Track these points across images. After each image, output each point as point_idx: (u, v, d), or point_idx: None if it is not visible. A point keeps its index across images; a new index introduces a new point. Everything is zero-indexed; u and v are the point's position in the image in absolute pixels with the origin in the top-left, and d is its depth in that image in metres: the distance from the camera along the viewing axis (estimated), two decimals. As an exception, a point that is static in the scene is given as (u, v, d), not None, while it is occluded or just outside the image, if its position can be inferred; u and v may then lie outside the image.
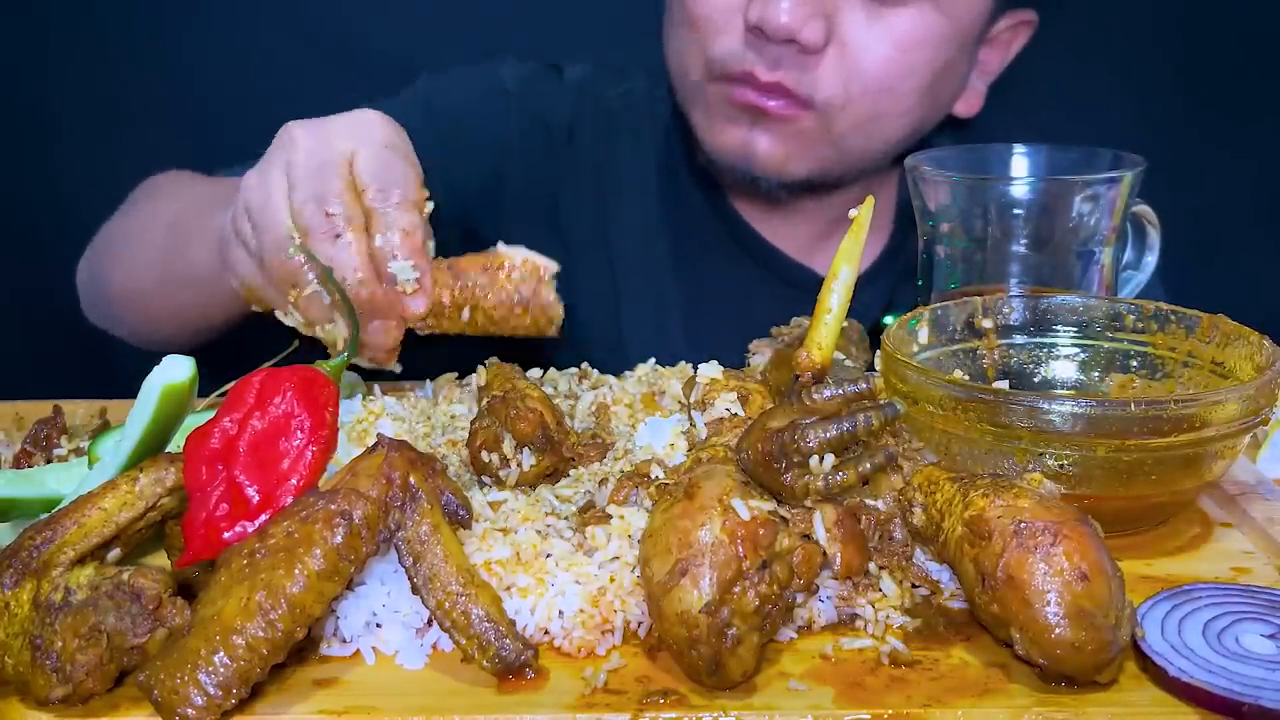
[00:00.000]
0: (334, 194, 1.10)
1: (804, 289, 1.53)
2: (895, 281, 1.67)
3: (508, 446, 1.04)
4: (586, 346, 1.42)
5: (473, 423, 1.07)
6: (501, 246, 1.16)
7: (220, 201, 1.29)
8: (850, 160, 1.56)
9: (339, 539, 0.85)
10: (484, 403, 1.10)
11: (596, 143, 1.69)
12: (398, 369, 1.17)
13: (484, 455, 1.05)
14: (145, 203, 1.60)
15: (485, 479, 1.06)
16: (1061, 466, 0.98)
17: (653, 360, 1.29)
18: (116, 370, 1.64)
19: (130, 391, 1.01)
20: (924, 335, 1.14)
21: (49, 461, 1.15)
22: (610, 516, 0.96)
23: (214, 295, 1.35)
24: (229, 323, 1.45)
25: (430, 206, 1.15)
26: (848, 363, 1.19)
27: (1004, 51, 1.63)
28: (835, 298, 1.01)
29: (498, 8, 2.11)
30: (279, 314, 1.15)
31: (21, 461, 1.15)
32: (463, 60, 1.83)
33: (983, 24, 1.54)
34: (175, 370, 0.98)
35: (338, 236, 1.08)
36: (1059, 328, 1.17)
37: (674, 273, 1.69)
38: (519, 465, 1.04)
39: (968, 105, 1.63)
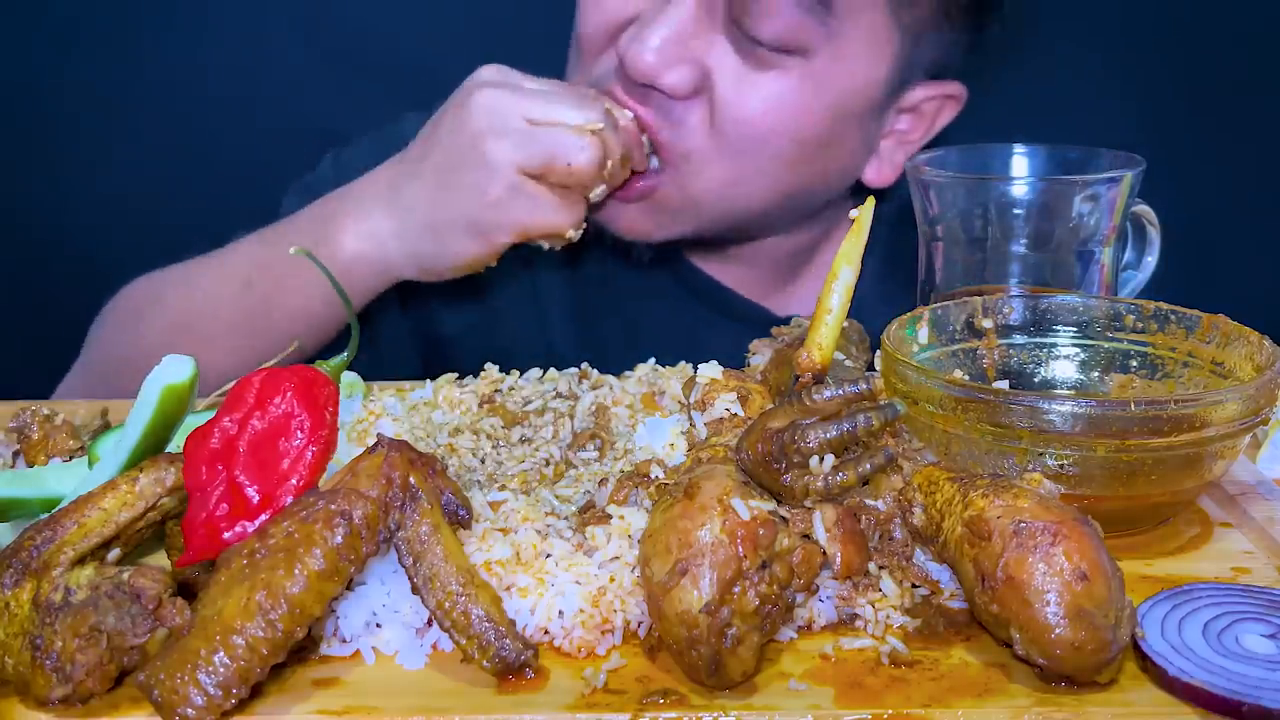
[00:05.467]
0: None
1: (762, 330, 1.48)
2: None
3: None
4: None
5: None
6: None
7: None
8: (713, 226, 1.52)
9: (339, 539, 0.85)
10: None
11: None
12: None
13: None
14: (161, 304, 1.58)
15: (481, 478, 1.06)
16: (1061, 466, 0.98)
17: (653, 360, 1.29)
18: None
19: (130, 391, 1.01)
20: (924, 335, 1.14)
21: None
22: (610, 516, 0.96)
23: (311, 327, 1.48)
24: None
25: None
26: (848, 363, 1.19)
27: (928, 124, 1.55)
28: (835, 298, 1.01)
29: (503, 8, 2.11)
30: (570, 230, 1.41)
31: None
32: (461, 62, 1.82)
33: (873, 99, 1.46)
34: (175, 370, 0.98)
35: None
36: (1059, 328, 1.17)
37: (612, 316, 1.66)
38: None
39: (879, 175, 1.55)
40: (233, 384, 0.96)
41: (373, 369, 1.36)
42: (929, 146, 1.56)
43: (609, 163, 1.38)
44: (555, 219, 1.39)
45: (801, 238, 1.63)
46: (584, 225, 1.43)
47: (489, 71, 1.41)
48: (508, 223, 1.39)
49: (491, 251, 1.42)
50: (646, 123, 1.43)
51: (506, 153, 1.36)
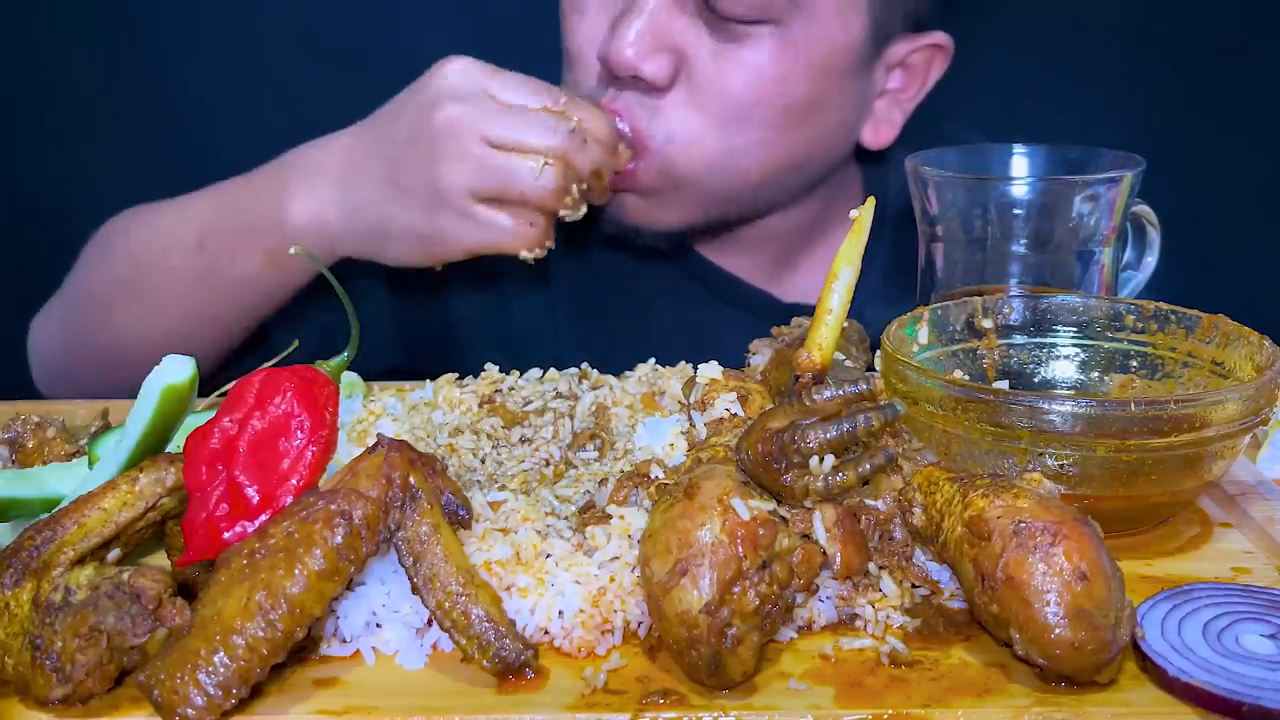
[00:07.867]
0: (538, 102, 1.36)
1: (767, 316, 1.48)
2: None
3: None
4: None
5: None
6: None
7: (245, 208, 1.46)
8: (718, 204, 1.52)
9: (339, 539, 0.85)
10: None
11: None
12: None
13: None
14: (125, 241, 1.59)
15: (481, 478, 1.05)
16: (1061, 466, 0.98)
17: (653, 360, 1.29)
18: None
19: (130, 392, 1.01)
20: (924, 335, 1.14)
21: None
22: (610, 516, 0.96)
23: (263, 295, 1.51)
24: (258, 319, 1.54)
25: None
26: (848, 363, 1.19)
27: (921, 79, 1.56)
28: (835, 298, 1.01)
29: (503, 8, 2.11)
30: (525, 253, 1.39)
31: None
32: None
33: (856, 55, 1.47)
34: (175, 370, 0.98)
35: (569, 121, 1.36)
36: (1059, 328, 1.17)
37: (620, 304, 1.65)
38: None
39: (877, 137, 1.57)
40: (233, 384, 0.96)
41: (377, 362, 1.36)
42: (929, 138, 1.56)
43: (574, 187, 1.37)
44: (507, 242, 1.38)
45: (806, 211, 1.62)
46: (547, 245, 1.40)
47: (456, 74, 1.38)
48: (454, 245, 1.39)
49: (434, 263, 1.43)
50: (625, 120, 1.44)
51: (460, 178, 1.35)
